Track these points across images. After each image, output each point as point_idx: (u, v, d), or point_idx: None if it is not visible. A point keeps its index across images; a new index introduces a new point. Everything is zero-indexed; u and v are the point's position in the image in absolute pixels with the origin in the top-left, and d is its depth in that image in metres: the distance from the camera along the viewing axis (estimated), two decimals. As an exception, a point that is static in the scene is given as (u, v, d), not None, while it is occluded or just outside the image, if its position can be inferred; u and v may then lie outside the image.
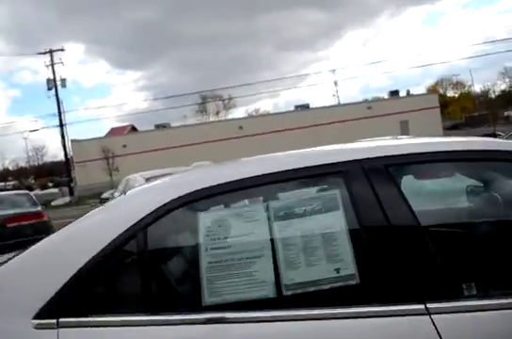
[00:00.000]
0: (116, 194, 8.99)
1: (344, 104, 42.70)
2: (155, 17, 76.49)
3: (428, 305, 1.31)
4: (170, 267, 1.60)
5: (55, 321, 1.41)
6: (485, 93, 61.56)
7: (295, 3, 79.89)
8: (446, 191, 2.02)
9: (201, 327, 1.37)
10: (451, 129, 42.45)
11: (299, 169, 1.57)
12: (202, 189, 1.56)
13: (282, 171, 1.57)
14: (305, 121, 34.93)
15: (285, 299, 1.41)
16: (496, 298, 1.33)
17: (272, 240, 1.47)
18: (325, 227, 1.46)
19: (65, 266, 1.49)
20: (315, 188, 1.57)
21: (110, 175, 30.71)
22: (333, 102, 50.41)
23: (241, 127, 36.15)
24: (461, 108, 57.36)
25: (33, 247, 1.68)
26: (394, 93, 44.04)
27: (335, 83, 51.16)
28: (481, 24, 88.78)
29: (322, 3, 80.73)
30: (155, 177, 7.43)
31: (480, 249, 1.65)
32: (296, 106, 43.05)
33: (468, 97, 61.55)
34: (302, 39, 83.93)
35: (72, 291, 1.44)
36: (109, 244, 1.48)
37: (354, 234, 1.44)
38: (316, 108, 40.97)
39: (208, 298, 1.43)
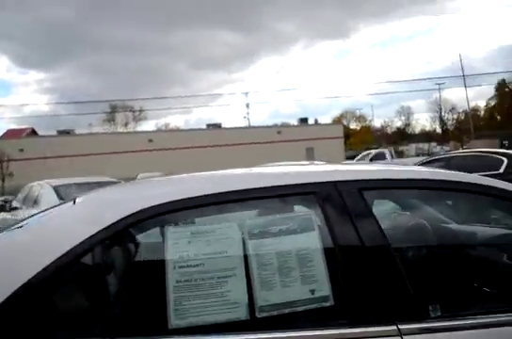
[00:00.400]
0: (14, 203, 8.22)
1: (256, 127, 43.64)
2: (67, 18, 72.62)
3: (400, 326, 1.33)
4: (131, 286, 1.46)
5: None
6: (385, 128, 66.94)
7: (214, 23, 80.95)
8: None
9: None
10: (352, 159, 45.04)
11: (276, 186, 1.54)
12: (171, 202, 1.47)
13: (259, 188, 1.53)
14: (217, 140, 35.09)
15: (259, 322, 1.35)
16: (458, 320, 1.39)
17: (246, 259, 1.41)
18: (300, 247, 1.44)
19: (2, 281, 1.30)
20: (291, 207, 1.55)
21: (2, 180, 28.30)
22: (244, 123, 51.46)
23: (151, 140, 35.35)
24: (361, 140, 61.40)
25: None
26: (303, 121, 45.93)
27: (247, 105, 52.35)
28: (385, 64, 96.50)
29: (241, 26, 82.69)
30: (66, 185, 6.96)
31: (442, 271, 1.72)
32: (208, 125, 43.19)
33: (368, 130, 66.25)
34: (218, 59, 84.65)
35: (8, 312, 1.25)
36: (60, 258, 1.32)
37: (329, 256, 1.43)
38: (228, 128, 41.45)
39: (174, 321, 1.33)
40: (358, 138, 62.43)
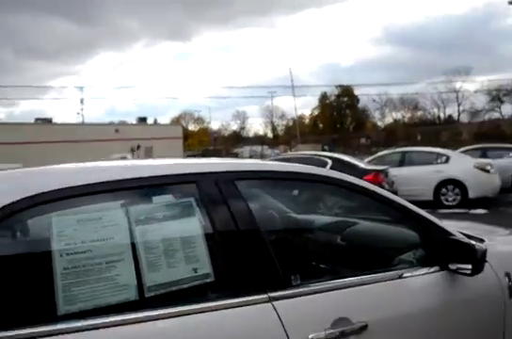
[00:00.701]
0: None
1: (92, 124, 41.50)
2: None
3: (270, 294, 1.58)
4: (14, 277, 1.42)
5: None
6: (222, 130, 69.56)
7: (49, 10, 74.43)
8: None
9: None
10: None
11: (159, 176, 1.66)
12: (54, 191, 1.48)
13: (142, 178, 1.63)
14: (47, 136, 32.37)
15: (148, 301, 1.45)
16: (312, 286, 1.69)
17: (133, 244, 1.50)
18: (183, 231, 1.58)
19: None
20: (173, 195, 1.67)
21: None
22: (77, 119, 48.52)
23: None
24: (199, 142, 62.79)
25: None
26: (143, 120, 45.25)
27: (81, 101, 49.58)
28: (223, 70, 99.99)
29: (79, 17, 77.44)
30: None
31: (297, 250, 2.05)
32: (37, 119, 39.67)
33: (205, 132, 68.10)
34: (52, 49, 78.27)
35: None
36: None
37: (208, 238, 1.60)
38: (61, 124, 38.63)
39: (64, 307, 1.35)
40: (196, 140, 63.69)
